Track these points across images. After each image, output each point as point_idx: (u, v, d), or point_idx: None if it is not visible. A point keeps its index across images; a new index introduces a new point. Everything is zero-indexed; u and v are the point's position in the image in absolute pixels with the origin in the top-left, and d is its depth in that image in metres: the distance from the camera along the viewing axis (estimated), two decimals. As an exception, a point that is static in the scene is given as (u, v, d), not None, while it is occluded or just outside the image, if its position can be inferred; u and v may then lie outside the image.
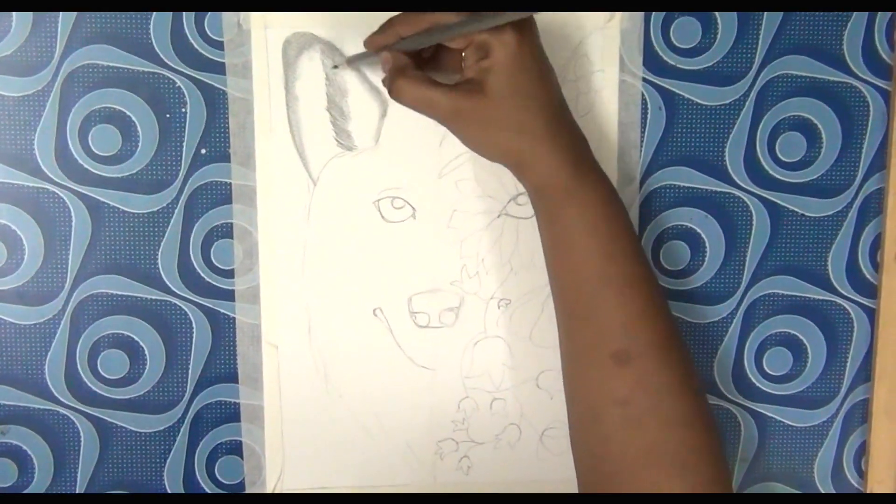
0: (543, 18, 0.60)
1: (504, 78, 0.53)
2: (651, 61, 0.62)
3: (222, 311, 0.62)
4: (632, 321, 0.54)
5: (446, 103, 0.54)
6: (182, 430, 0.63)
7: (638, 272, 0.55)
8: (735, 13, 0.62)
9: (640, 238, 0.57)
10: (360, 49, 0.59)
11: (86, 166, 0.60)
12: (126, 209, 0.61)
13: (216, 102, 0.61)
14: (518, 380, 0.65)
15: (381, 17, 0.59)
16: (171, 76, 0.60)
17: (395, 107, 0.61)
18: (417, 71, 0.55)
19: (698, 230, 0.65)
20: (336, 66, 0.60)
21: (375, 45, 0.56)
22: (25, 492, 0.63)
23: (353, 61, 0.60)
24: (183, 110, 0.60)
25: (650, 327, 0.54)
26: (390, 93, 0.55)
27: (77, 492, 0.63)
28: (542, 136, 0.53)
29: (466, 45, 0.54)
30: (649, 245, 0.64)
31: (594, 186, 0.55)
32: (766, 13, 0.62)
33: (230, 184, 0.61)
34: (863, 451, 0.68)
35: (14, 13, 0.59)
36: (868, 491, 0.68)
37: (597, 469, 0.54)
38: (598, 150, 0.61)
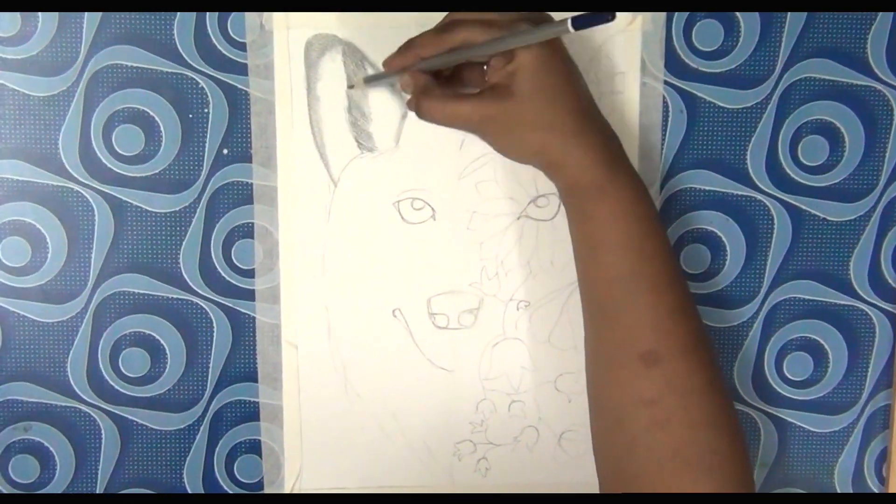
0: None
1: (530, 79, 0.53)
2: (673, 64, 0.62)
3: (242, 310, 0.63)
4: (662, 321, 0.53)
5: (475, 112, 0.54)
6: (202, 428, 0.64)
7: (669, 271, 0.54)
8: (758, 16, 0.62)
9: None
10: (380, 49, 0.59)
11: (109, 166, 0.61)
12: (148, 208, 0.61)
13: (238, 103, 0.61)
14: (537, 382, 0.65)
15: (401, 17, 0.59)
16: (194, 77, 0.60)
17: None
18: (441, 88, 0.55)
19: (719, 233, 0.64)
20: (351, 86, 0.60)
21: (395, 66, 0.57)
22: (46, 488, 0.64)
23: (371, 81, 0.60)
24: (205, 111, 0.61)
25: (680, 328, 0.53)
26: (418, 114, 0.55)
27: (97, 489, 0.64)
28: (572, 134, 0.53)
29: (490, 54, 0.54)
30: (670, 248, 0.64)
31: (627, 183, 0.54)
32: (789, 15, 0.62)
33: (251, 184, 0.62)
34: (884, 457, 0.67)
35: (40, 14, 0.59)
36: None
37: (621, 471, 0.54)
38: (618, 153, 0.62)
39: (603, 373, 0.55)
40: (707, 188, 0.64)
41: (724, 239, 0.64)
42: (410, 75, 0.56)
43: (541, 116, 0.53)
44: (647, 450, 0.53)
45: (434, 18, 0.58)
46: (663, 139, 0.63)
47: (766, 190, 0.64)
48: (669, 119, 0.63)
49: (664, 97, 0.62)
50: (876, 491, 0.68)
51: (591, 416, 0.56)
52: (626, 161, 0.55)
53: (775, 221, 0.64)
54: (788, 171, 0.64)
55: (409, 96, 0.56)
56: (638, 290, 0.53)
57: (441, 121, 0.55)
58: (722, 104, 0.63)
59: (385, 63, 0.57)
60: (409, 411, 0.64)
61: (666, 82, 0.62)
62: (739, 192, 0.64)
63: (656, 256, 0.54)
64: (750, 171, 0.64)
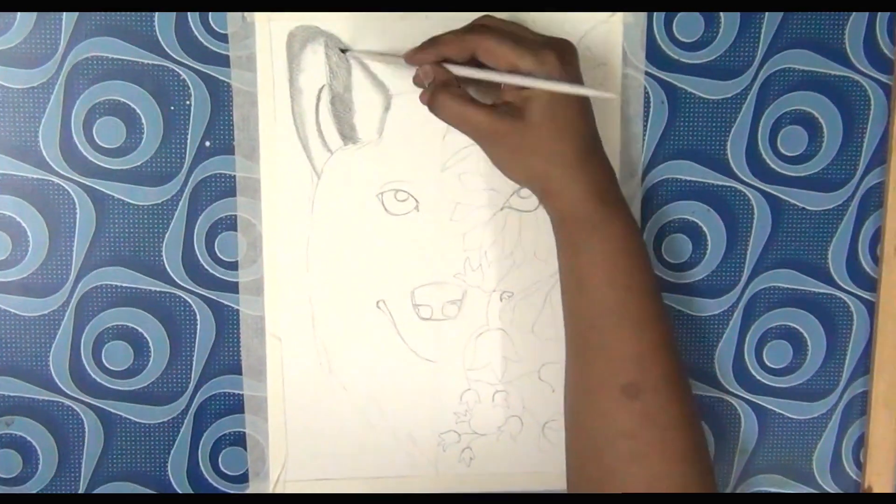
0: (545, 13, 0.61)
1: (544, 107, 0.53)
2: (654, 55, 0.62)
3: (226, 303, 0.63)
4: (645, 355, 0.54)
5: (486, 124, 0.54)
6: (186, 421, 0.64)
7: (654, 307, 0.55)
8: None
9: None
10: (363, 40, 0.60)
11: (90, 158, 0.60)
12: (130, 201, 0.61)
13: (220, 95, 0.60)
14: (520, 372, 0.65)
15: (386, 17, 0.59)
16: (175, 69, 0.60)
17: (398, 100, 0.61)
18: (459, 88, 0.55)
19: (700, 223, 0.65)
20: (344, 51, 0.60)
21: (416, 60, 0.56)
22: (29, 483, 0.63)
23: (370, 56, 0.60)
24: (187, 103, 0.60)
25: (662, 362, 0.54)
26: (430, 107, 0.55)
27: (81, 483, 0.64)
28: (571, 165, 0.54)
29: (510, 69, 0.54)
30: (651, 238, 0.65)
31: (619, 220, 0.55)
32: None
33: (234, 176, 0.61)
34: (861, 443, 0.68)
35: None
36: (866, 483, 0.68)
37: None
38: (600, 144, 0.63)
39: (583, 403, 0.56)
40: (688, 178, 0.64)
41: (704, 229, 0.65)
42: (432, 68, 0.55)
43: (546, 144, 0.54)
44: (622, 482, 0.53)
45: (417, 17, 0.59)
46: (644, 130, 0.63)
47: (746, 180, 0.64)
48: (651, 110, 0.63)
49: (645, 88, 0.63)
50: (853, 476, 0.69)
51: (568, 444, 0.57)
52: (622, 198, 0.56)
53: (755, 211, 0.65)
54: (768, 160, 0.64)
55: (409, 86, 0.56)
56: (623, 325, 0.54)
57: (452, 120, 0.55)
58: (702, 95, 0.63)
59: (406, 56, 0.56)
60: (394, 402, 0.65)
61: (647, 73, 0.63)
62: (720, 183, 0.64)
63: (642, 293, 0.55)
64: (730, 161, 0.64)
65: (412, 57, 0.56)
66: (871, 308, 0.66)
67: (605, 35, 0.62)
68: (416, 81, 0.57)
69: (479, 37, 0.54)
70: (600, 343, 0.55)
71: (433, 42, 0.55)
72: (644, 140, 0.63)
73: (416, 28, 0.59)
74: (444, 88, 0.55)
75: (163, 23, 0.60)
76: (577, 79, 0.55)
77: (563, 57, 0.54)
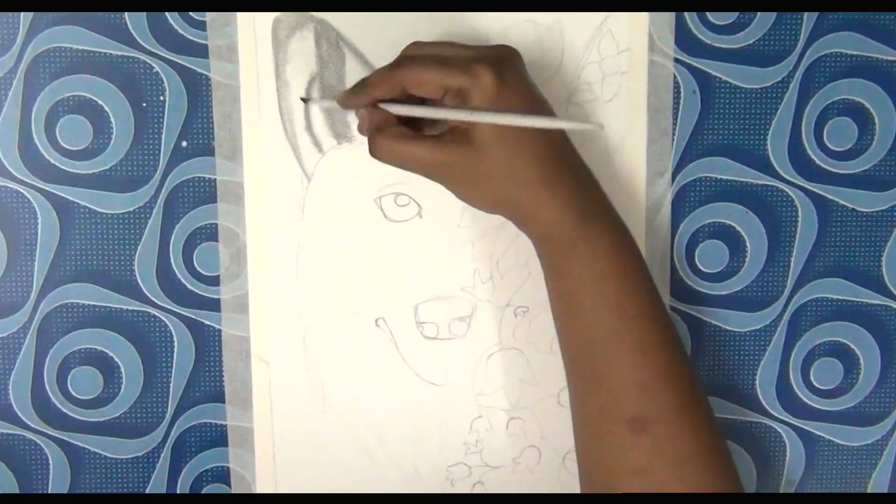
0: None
1: (490, 126, 0.51)
2: (684, 40, 0.60)
3: (207, 322, 0.60)
4: (648, 384, 0.52)
5: (431, 157, 0.52)
6: (163, 455, 0.61)
7: (655, 330, 0.53)
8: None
9: (659, 292, 0.55)
10: (356, 27, 0.58)
11: (53, 162, 0.58)
12: (98, 209, 0.59)
13: (198, 89, 0.59)
14: (537, 396, 0.63)
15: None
16: (147, 60, 0.58)
17: (398, 92, 0.59)
18: (398, 126, 0.54)
19: (738, 228, 0.62)
20: (306, 100, 0.58)
21: (348, 105, 0.56)
22: (-9, 525, 0.61)
23: (325, 103, 0.59)
24: (161, 98, 0.58)
25: (668, 391, 0.52)
26: (372, 154, 0.54)
27: (47, 525, 0.61)
28: (538, 183, 0.52)
29: (443, 93, 0.52)
30: (683, 244, 0.62)
31: (604, 235, 0.53)
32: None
33: (215, 180, 0.59)
34: (921, 471, 0.66)
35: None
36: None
37: None
38: (625, 140, 0.61)
39: (590, 437, 0.54)
40: (724, 177, 0.62)
41: (743, 234, 0.62)
42: (367, 112, 0.54)
43: (502, 166, 0.52)
44: None
45: (421, 16, 0.56)
46: (675, 123, 0.61)
47: (789, 178, 0.62)
48: (681, 101, 0.61)
49: (675, 77, 0.60)
50: (913, 510, 0.65)
51: (581, 478, 0.55)
52: (605, 207, 0.54)
53: (800, 213, 0.62)
54: (813, 157, 0.62)
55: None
56: (620, 352, 0.52)
57: (396, 162, 0.54)
58: (739, 84, 0.61)
59: (338, 99, 0.56)
60: (396, 432, 0.62)
61: (677, 60, 0.60)
62: (759, 182, 0.62)
63: (639, 315, 0.52)
64: (771, 157, 0.62)
65: (345, 101, 0.56)
66: (931, 321, 0.64)
67: (630, 18, 0.59)
68: (359, 130, 0.56)
69: (405, 69, 0.53)
70: (597, 374, 0.53)
71: (363, 85, 0.54)
72: (674, 135, 0.61)
73: (412, 18, 0.58)
74: (380, 131, 0.53)
75: (132, 8, 0.58)
76: (520, 88, 0.52)
77: (500, 67, 0.51)
